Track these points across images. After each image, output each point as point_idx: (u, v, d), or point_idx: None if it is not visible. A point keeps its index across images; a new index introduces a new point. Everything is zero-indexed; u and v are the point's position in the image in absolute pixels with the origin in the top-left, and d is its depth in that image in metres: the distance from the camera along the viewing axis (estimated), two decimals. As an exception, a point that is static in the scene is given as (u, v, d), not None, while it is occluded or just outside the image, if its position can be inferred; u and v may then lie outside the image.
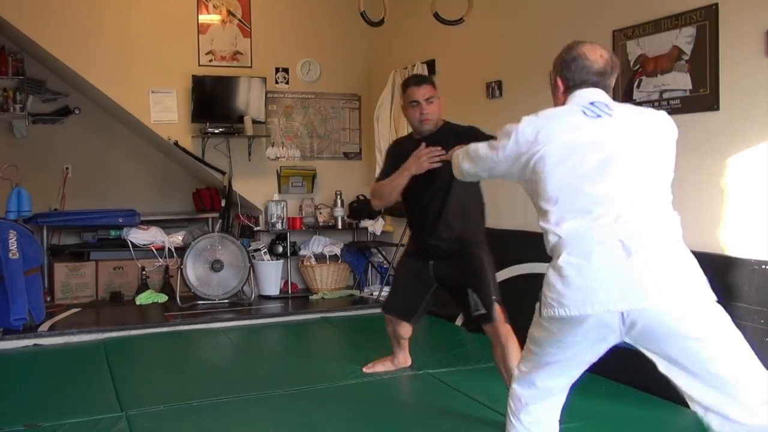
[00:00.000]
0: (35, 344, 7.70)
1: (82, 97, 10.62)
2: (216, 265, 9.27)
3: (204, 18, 10.00)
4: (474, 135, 5.02)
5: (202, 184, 11.03)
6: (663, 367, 3.37)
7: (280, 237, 10.21)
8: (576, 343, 3.48)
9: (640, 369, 5.82)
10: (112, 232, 9.83)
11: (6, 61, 10.06)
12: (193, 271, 9.26)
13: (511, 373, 4.89)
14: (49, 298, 9.21)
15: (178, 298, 9.22)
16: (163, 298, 9.54)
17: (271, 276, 9.91)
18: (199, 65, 9.96)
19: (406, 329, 6.16)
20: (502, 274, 7.26)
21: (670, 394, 5.50)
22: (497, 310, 5.37)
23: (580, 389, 5.79)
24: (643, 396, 5.68)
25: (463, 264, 5.57)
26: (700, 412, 3.29)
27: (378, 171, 6.09)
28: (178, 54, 9.88)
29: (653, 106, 5.78)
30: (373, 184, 5.77)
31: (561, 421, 4.03)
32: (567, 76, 3.62)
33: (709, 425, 3.28)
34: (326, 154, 10.72)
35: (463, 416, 5.35)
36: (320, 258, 10.21)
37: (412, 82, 5.59)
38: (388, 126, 9.60)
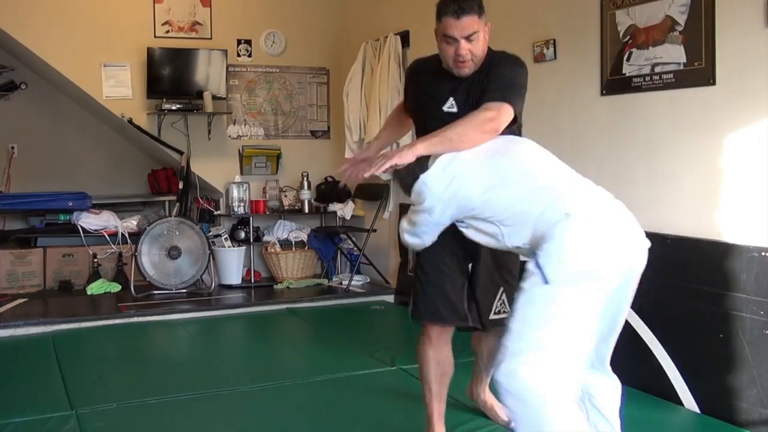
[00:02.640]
0: (-23, 337, 7.63)
1: (29, 71, 10.48)
2: (173, 252, 9.24)
3: (160, -14, 9.90)
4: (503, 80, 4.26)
5: (158, 164, 10.95)
6: None
7: (243, 222, 10.16)
8: None
9: (631, 364, 5.85)
10: (62, 217, 9.74)
11: (-55, 32, 9.92)
12: (149, 258, 9.21)
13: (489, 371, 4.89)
14: (-8, 288, 9.13)
15: (132, 288, 9.14)
16: (116, 287, 9.46)
17: (233, 264, 9.86)
18: (155, 37, 9.85)
19: (452, 363, 4.75)
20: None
21: (663, 392, 5.51)
22: None
23: None
24: (631, 392, 5.65)
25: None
26: None
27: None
28: (132, 25, 9.77)
29: (644, 81, 5.79)
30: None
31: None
32: None
33: None
34: (292, 132, 10.64)
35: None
36: (285, 244, 10.15)
37: (449, 10, 4.17)
38: (358, 102, 9.54)
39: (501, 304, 4.60)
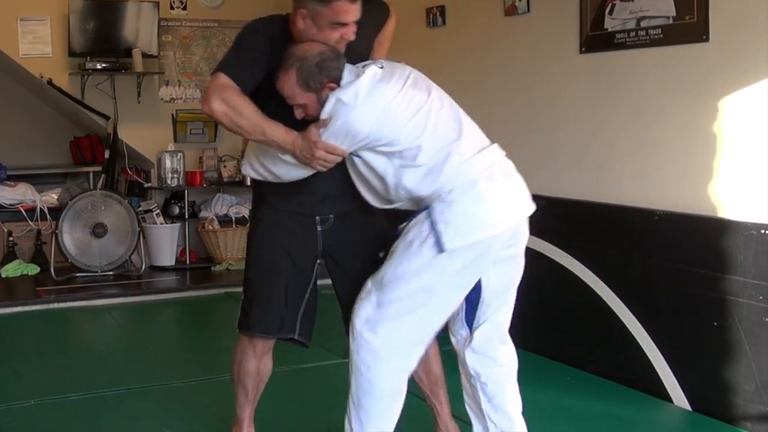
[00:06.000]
0: None
1: (-67, 26, 10.31)
2: (98, 230, 9.20)
3: (82, -72, 9.74)
4: (372, 18, 4.49)
5: (82, 131, 10.83)
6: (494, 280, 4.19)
7: (176, 195, 10.10)
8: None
9: (614, 356, 5.82)
10: (-28, 190, 9.61)
11: None
12: (71, 236, 9.18)
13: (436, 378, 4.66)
14: None
15: (52, 270, 9.12)
16: (34, 269, 9.45)
17: (166, 243, 9.84)
18: (78, -14, 9.69)
19: (271, 367, 4.77)
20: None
21: (650, 387, 5.48)
22: None
23: (541, 380, 5.90)
24: (614, 387, 5.73)
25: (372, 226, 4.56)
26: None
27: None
28: (52, -27, 9.64)
29: (629, 37, 5.79)
30: (221, 78, 4.15)
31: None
32: None
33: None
34: (232, 95, 10.51)
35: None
36: (225, 221, 10.07)
37: None
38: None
39: None
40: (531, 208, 4.15)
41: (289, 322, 4.49)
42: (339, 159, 4.02)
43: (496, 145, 4.15)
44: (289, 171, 4.19)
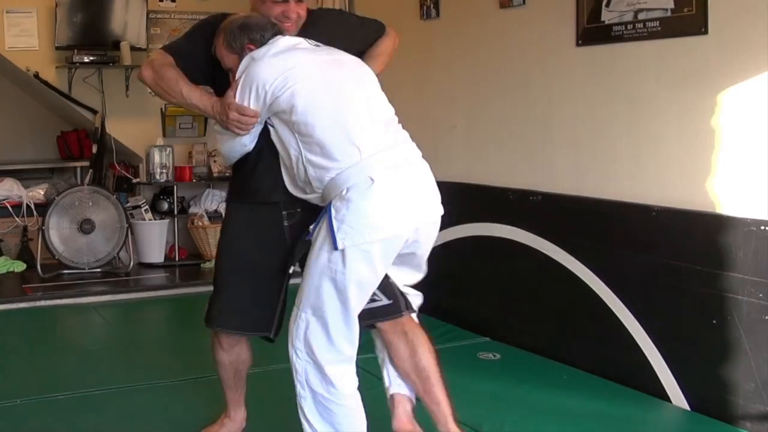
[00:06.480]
0: None
1: None
2: (86, 226, 9.17)
3: None
4: (351, 27, 4.85)
5: (69, 125, 10.80)
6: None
7: (165, 191, 10.09)
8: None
9: (611, 354, 5.80)
10: (-44, 185, 9.57)
11: None
12: (58, 233, 9.14)
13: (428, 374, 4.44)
14: None
15: (39, 267, 9.07)
16: (20, 266, 9.43)
17: (154, 239, 9.83)
18: (65, -22, 9.64)
19: (249, 356, 4.88)
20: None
21: (648, 386, 5.45)
22: None
23: (536, 379, 5.81)
24: (611, 386, 5.68)
25: None
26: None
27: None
28: (38, -36, 9.61)
29: (626, 29, 5.77)
30: (157, 53, 4.61)
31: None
32: None
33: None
34: (222, 89, 10.48)
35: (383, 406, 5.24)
36: (214, 217, 10.01)
37: None
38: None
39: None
40: (437, 211, 4.25)
41: (262, 320, 4.56)
42: (252, 121, 4.13)
43: (411, 145, 4.25)
44: (226, 145, 4.36)
